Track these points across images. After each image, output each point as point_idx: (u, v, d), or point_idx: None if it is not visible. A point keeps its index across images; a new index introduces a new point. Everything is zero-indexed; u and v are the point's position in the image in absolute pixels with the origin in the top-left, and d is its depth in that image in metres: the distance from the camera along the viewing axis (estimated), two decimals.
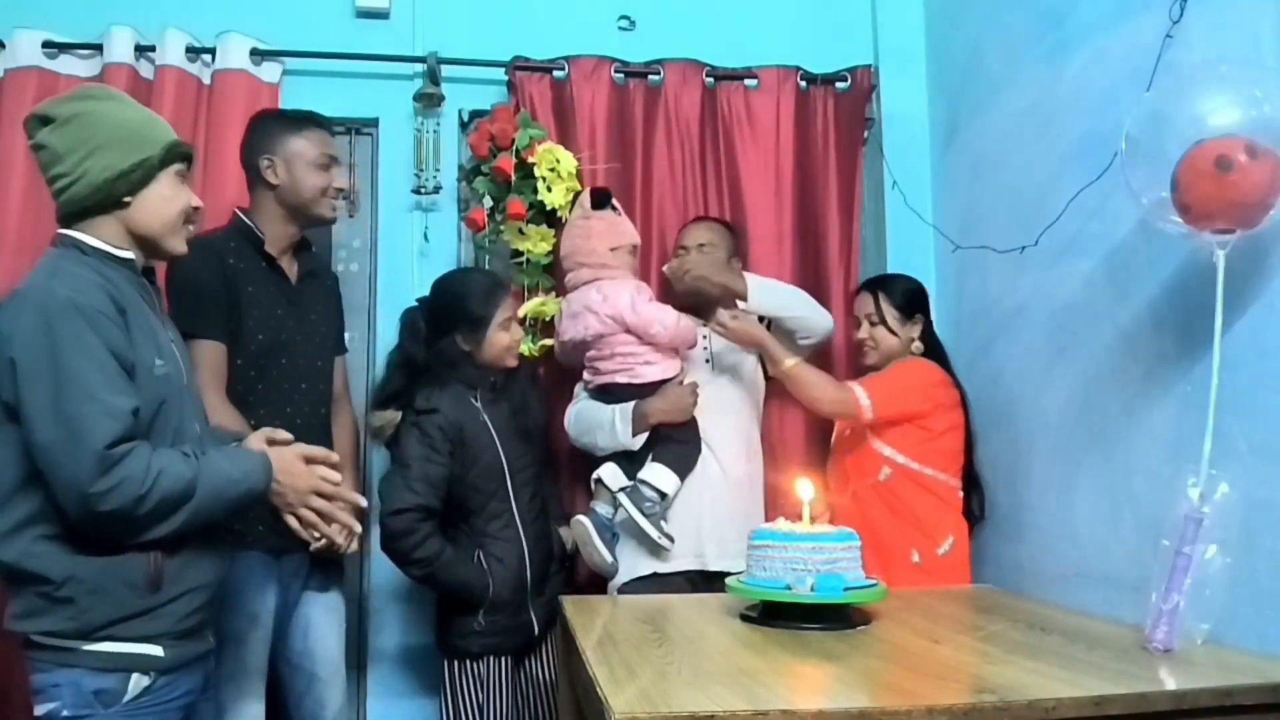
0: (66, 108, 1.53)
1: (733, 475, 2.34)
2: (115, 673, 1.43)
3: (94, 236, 1.54)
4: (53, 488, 1.40)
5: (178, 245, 1.62)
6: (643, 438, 2.26)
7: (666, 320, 2.28)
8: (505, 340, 2.20)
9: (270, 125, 2.14)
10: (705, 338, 2.43)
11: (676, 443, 2.28)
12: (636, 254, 2.46)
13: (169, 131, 1.61)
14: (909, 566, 2.18)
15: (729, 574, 2.12)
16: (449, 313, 2.21)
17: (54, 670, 1.43)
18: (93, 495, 1.37)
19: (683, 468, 2.27)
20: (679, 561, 2.26)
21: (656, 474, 2.24)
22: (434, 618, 2.26)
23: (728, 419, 2.37)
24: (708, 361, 2.42)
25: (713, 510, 2.30)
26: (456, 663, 2.15)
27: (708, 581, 2.24)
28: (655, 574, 2.26)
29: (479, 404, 2.19)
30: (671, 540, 2.23)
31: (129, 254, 1.57)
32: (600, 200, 2.41)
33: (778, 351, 2.25)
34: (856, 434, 2.30)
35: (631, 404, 2.27)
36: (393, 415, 2.18)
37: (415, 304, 2.30)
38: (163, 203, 1.57)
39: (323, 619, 2.18)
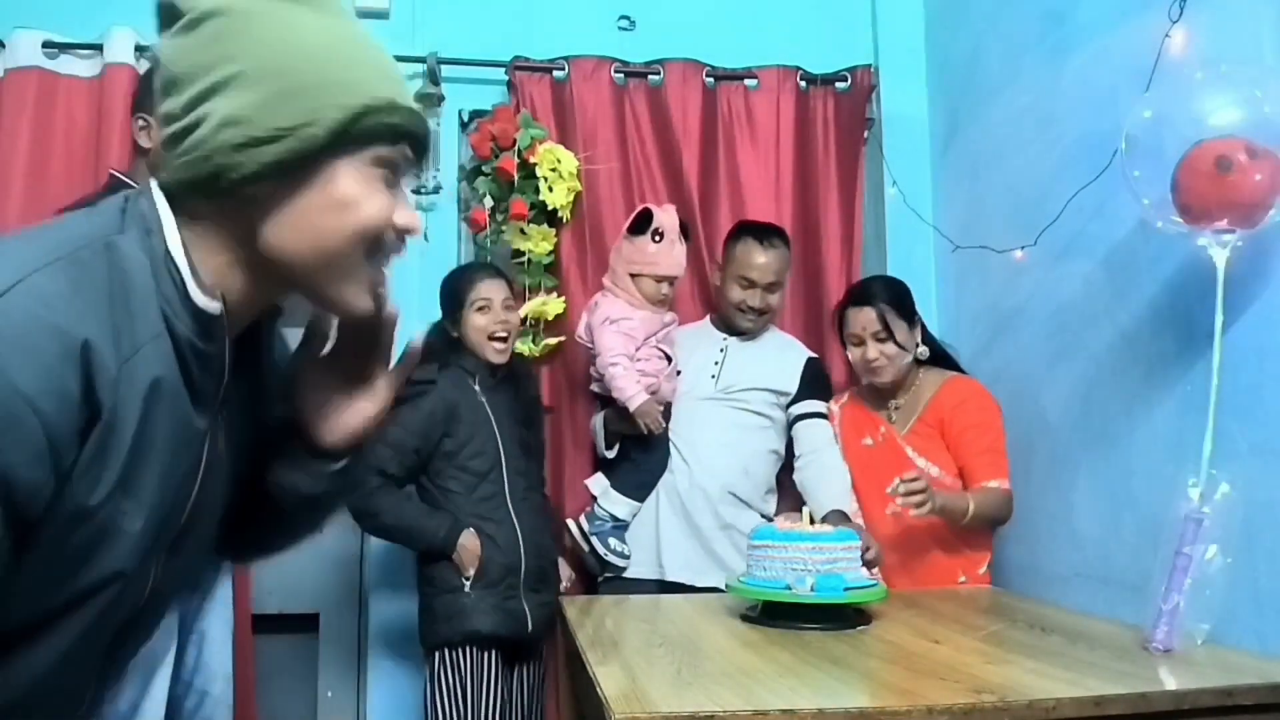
0: None
1: (708, 491, 2.32)
2: None
3: None
4: None
5: (352, 296, 1.24)
6: (615, 448, 2.40)
7: (605, 359, 2.31)
8: (480, 321, 2.18)
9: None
10: (722, 350, 2.42)
11: (637, 464, 2.38)
12: (664, 284, 2.36)
13: (376, 83, 1.03)
14: (956, 588, 2.14)
15: (692, 587, 2.25)
16: (442, 297, 2.28)
17: None
18: None
19: (639, 490, 2.38)
20: (639, 569, 2.36)
21: (611, 500, 2.37)
22: (419, 610, 2.21)
23: (714, 434, 2.35)
24: (713, 378, 2.39)
25: (673, 524, 2.34)
26: (439, 654, 2.10)
27: (669, 591, 2.29)
28: (621, 576, 2.37)
29: (478, 388, 2.20)
30: (624, 559, 2.36)
31: None
32: (635, 226, 2.37)
33: (956, 508, 1.97)
34: (890, 447, 2.19)
35: (601, 415, 2.43)
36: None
37: None
38: (327, 211, 1.15)
39: (220, 632, 2.01)
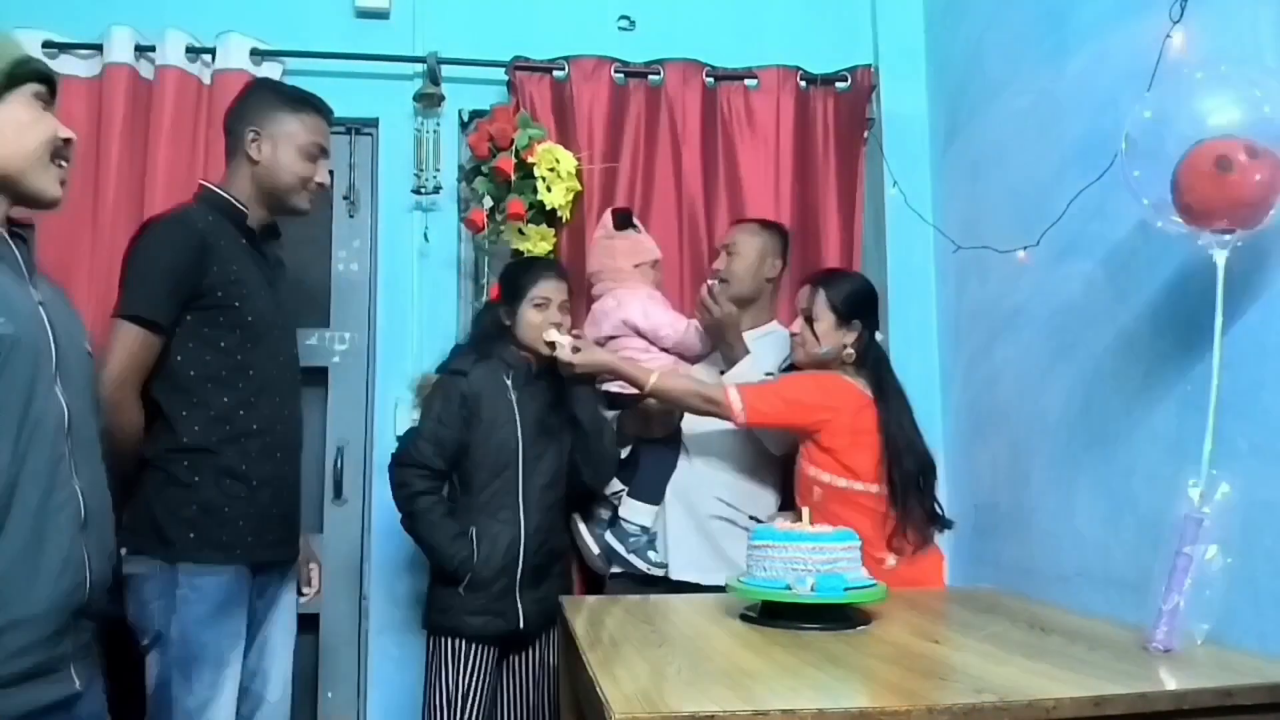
0: None
1: (714, 489, 2.32)
2: None
3: None
4: None
5: (46, 185, 1.34)
6: (627, 449, 2.40)
7: (677, 325, 2.39)
8: (536, 319, 2.22)
9: (268, 97, 1.98)
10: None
11: (649, 465, 2.37)
12: (659, 268, 2.51)
13: (19, 48, 1.35)
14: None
15: (699, 586, 2.23)
16: (503, 284, 2.32)
17: None
18: None
19: (656, 493, 2.37)
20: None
21: (633, 510, 2.36)
22: (424, 595, 2.29)
23: (718, 431, 2.33)
24: (721, 373, 2.38)
25: (680, 522, 2.33)
26: (435, 639, 2.18)
27: (675, 588, 2.28)
28: (628, 574, 2.36)
29: (509, 382, 2.22)
30: (663, 567, 2.33)
31: None
32: (621, 221, 2.48)
33: (635, 374, 2.14)
34: (801, 454, 2.20)
35: (614, 416, 2.42)
36: (432, 376, 2.29)
37: None
38: (17, 129, 1.29)
39: (281, 640, 2.00)
